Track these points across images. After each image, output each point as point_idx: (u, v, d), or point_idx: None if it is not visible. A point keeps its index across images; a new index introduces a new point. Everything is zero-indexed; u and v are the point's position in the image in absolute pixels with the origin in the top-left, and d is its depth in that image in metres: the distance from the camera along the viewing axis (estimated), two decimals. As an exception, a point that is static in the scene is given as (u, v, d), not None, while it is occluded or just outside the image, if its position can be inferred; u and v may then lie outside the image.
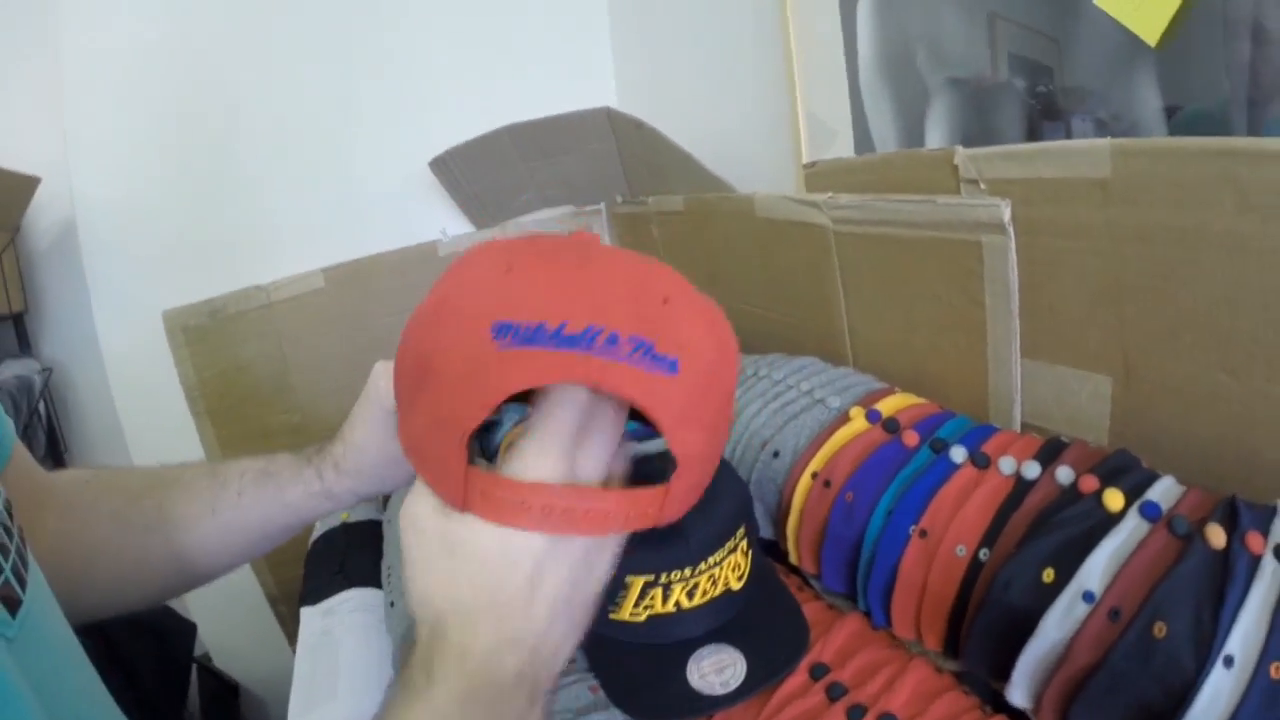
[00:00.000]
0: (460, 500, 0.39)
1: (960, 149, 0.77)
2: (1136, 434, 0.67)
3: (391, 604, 0.94)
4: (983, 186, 0.75)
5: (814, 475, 0.74)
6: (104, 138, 1.51)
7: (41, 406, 1.62)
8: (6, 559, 0.42)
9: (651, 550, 0.61)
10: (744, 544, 0.66)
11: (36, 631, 0.42)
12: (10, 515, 0.45)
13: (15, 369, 1.56)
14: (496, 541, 0.38)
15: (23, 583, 0.42)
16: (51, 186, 1.57)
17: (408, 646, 0.40)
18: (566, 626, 0.41)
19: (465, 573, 0.39)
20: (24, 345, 1.67)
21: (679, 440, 0.38)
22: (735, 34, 1.26)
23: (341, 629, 1.04)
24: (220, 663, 1.77)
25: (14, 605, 0.40)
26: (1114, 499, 0.54)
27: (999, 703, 0.57)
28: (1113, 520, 0.53)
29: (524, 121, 1.34)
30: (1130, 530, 0.51)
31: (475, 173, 1.51)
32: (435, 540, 0.40)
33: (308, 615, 1.10)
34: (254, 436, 1.52)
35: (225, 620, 1.72)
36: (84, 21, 1.47)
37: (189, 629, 1.68)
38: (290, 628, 1.53)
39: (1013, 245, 0.72)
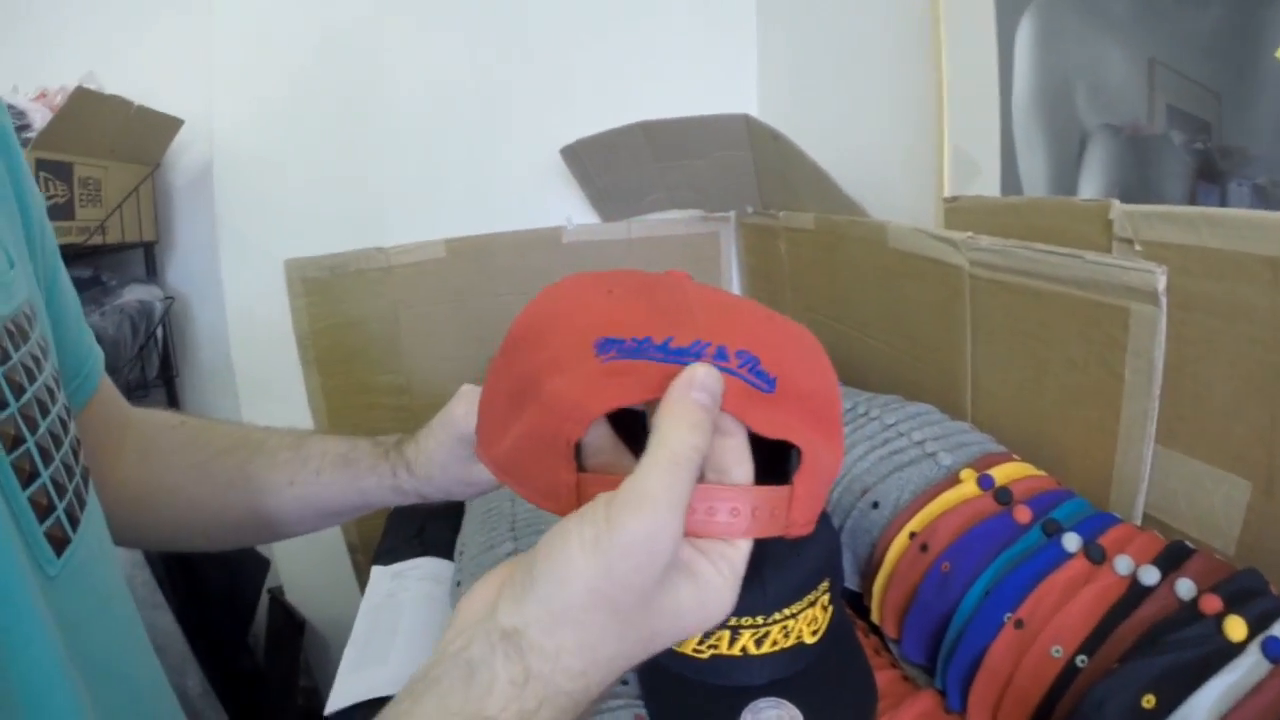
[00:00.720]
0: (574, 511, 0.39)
1: (1117, 203, 0.73)
2: (1270, 550, 0.62)
3: (458, 584, 0.96)
4: (1138, 248, 0.71)
5: (912, 535, 0.72)
6: (248, 90, 1.60)
7: (160, 331, 1.75)
8: (62, 498, 0.44)
9: (726, 590, 0.60)
10: (825, 598, 0.64)
11: (81, 571, 0.44)
12: (76, 456, 0.47)
13: (139, 293, 1.69)
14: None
15: (75, 523, 0.44)
16: (193, 129, 1.69)
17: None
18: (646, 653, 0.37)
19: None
20: (151, 272, 1.81)
21: (799, 436, 0.38)
22: (884, 52, 1.23)
23: (406, 595, 1.08)
24: (292, 597, 1.87)
25: (61, 545, 0.43)
26: (1236, 628, 0.50)
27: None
28: (1231, 651, 0.49)
29: (660, 120, 1.35)
30: (1249, 667, 0.47)
31: (605, 165, 1.53)
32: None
33: (377, 574, 1.15)
34: (358, 390, 1.61)
35: (303, 558, 1.81)
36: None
37: (263, 564, 1.79)
38: (364, 576, 1.60)
39: (1164, 318, 0.67)
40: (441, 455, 0.62)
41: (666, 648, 0.38)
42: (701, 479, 0.37)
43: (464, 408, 0.60)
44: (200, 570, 1.58)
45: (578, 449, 0.40)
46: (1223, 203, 0.71)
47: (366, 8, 1.60)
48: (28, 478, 0.41)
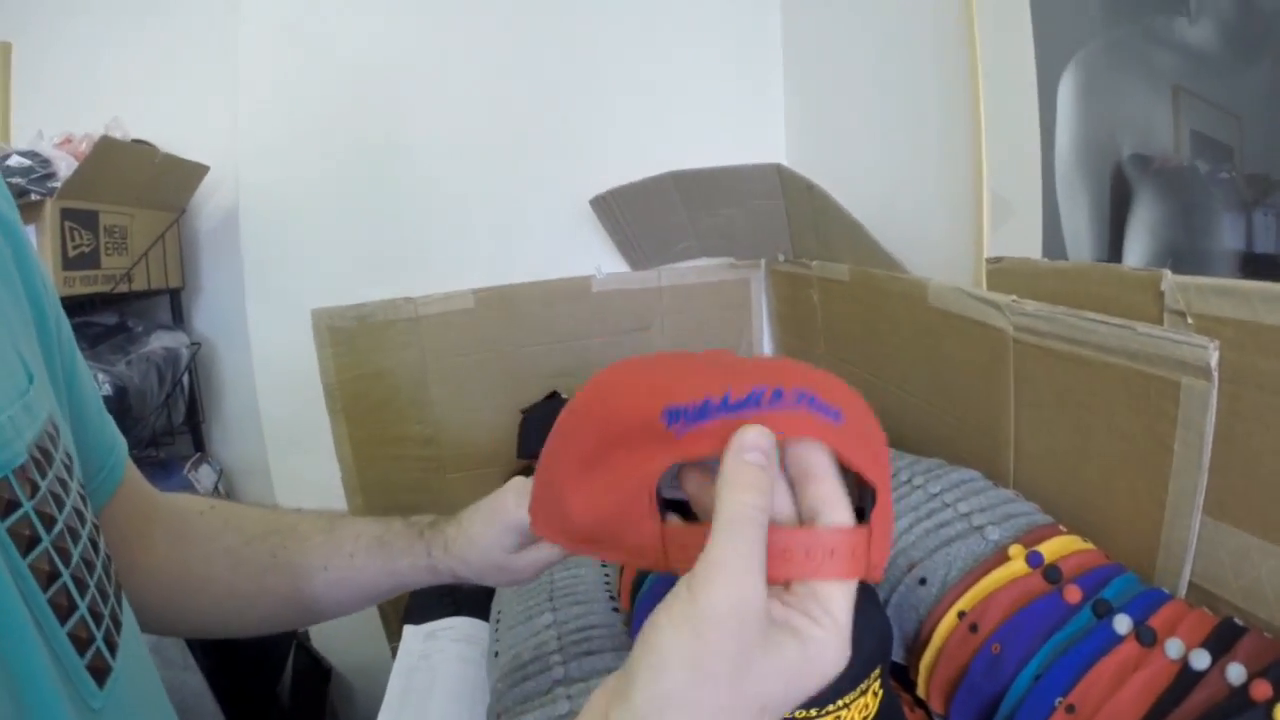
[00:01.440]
0: (662, 562, 0.41)
1: (1169, 274, 0.75)
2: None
3: (495, 654, 0.97)
4: (1190, 321, 0.73)
5: (961, 615, 0.74)
6: (273, 137, 1.65)
7: (186, 378, 1.78)
8: (99, 626, 0.43)
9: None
10: (876, 685, 0.66)
11: (124, 696, 0.44)
12: (109, 575, 0.46)
13: (165, 340, 1.72)
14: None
15: (114, 649, 0.44)
16: (219, 174, 1.74)
17: None
18: None
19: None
20: (177, 319, 1.85)
21: (873, 473, 0.39)
22: (917, 101, 1.25)
23: (441, 657, 1.10)
24: (318, 645, 1.90)
25: (103, 675, 0.42)
26: (1288, 718, 0.52)
27: None
28: (1283, 744, 0.51)
29: (690, 169, 1.39)
30: (1301, 764, 0.50)
31: (635, 214, 1.57)
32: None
33: (410, 634, 1.17)
34: (385, 442, 1.64)
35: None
36: (263, 26, 1.62)
37: (292, 619, 1.81)
38: (391, 625, 1.64)
39: (1215, 392, 0.69)
40: (485, 541, 0.65)
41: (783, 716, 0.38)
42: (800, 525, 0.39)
43: (514, 498, 0.64)
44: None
45: (662, 510, 0.42)
46: (1249, 234, 0.72)
47: (394, 55, 1.66)
48: (65, 613, 0.40)
